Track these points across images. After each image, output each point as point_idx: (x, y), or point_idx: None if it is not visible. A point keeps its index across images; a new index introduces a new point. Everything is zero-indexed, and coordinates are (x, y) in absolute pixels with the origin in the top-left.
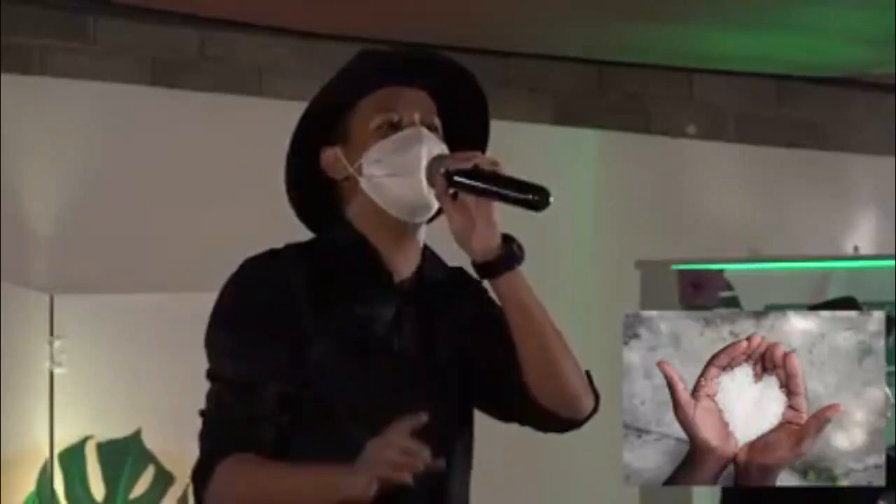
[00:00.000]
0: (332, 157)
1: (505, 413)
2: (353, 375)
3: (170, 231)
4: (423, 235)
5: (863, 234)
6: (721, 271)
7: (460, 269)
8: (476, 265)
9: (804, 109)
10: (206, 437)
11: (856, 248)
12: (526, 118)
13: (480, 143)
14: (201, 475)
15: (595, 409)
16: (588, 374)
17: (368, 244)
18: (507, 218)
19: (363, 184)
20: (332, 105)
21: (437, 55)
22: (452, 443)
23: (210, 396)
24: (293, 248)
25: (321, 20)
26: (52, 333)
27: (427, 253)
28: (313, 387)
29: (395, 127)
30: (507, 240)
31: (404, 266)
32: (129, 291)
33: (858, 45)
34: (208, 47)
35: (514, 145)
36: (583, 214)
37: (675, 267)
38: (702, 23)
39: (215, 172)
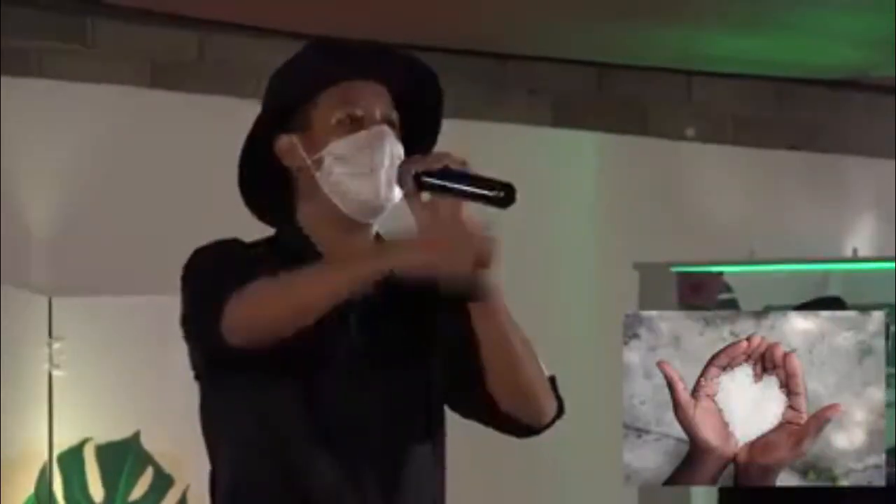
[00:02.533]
0: (287, 145)
1: (463, 411)
2: (298, 377)
3: (168, 233)
4: (376, 226)
5: (862, 237)
6: (720, 273)
7: None
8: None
9: (803, 112)
10: (197, 302)
11: (855, 251)
12: (525, 120)
13: (432, 136)
14: (210, 321)
15: (558, 416)
16: (552, 380)
17: (313, 248)
18: (502, 222)
19: (320, 179)
20: (292, 95)
21: (395, 49)
22: (411, 445)
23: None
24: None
25: (321, 23)
26: (51, 335)
27: (381, 242)
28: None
29: (356, 122)
30: None
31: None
32: (128, 294)
33: (857, 48)
34: (207, 50)
35: (513, 147)
36: (582, 216)
37: (674, 269)
38: (701, 25)
39: (214, 175)
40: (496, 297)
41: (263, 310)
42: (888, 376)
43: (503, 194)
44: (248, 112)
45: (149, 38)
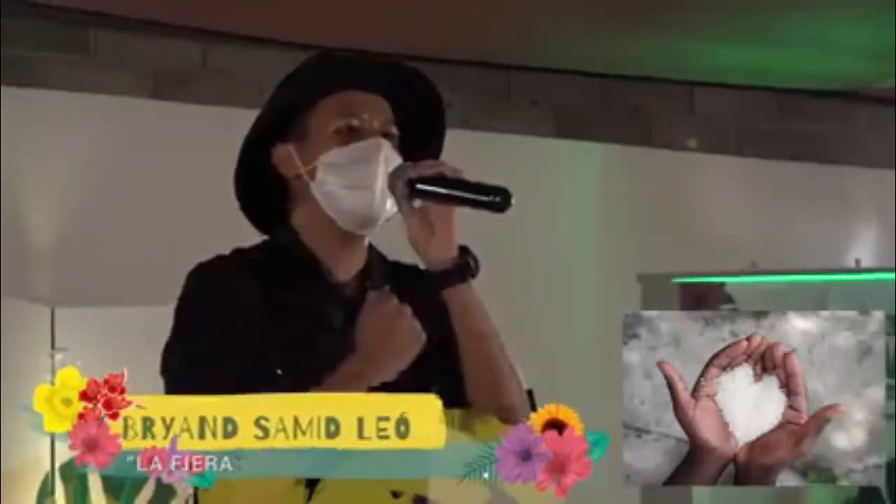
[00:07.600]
0: (284, 154)
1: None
2: (300, 381)
3: (171, 244)
4: (369, 236)
5: (864, 247)
6: (722, 284)
7: (408, 269)
8: (429, 274)
9: (805, 123)
10: (181, 372)
11: (857, 262)
12: (528, 131)
13: (435, 150)
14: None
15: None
16: (530, 393)
17: (309, 251)
18: (506, 232)
19: (314, 189)
20: (291, 104)
21: (399, 62)
22: None
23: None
24: (238, 258)
25: (325, 34)
26: (53, 346)
27: (373, 253)
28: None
29: (353, 132)
30: (463, 251)
31: (348, 268)
32: (130, 304)
33: (859, 59)
34: (210, 60)
35: (516, 158)
36: (585, 227)
37: (676, 280)
38: (703, 36)
39: (216, 185)
40: (468, 285)
41: None
42: (888, 388)
43: (499, 199)
44: (251, 122)
45: (151, 49)
